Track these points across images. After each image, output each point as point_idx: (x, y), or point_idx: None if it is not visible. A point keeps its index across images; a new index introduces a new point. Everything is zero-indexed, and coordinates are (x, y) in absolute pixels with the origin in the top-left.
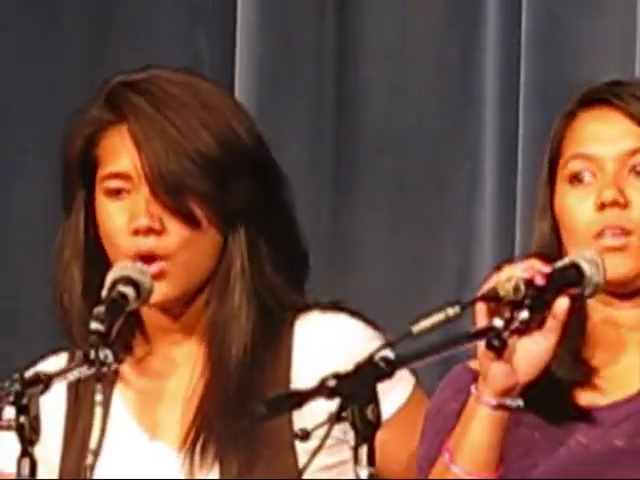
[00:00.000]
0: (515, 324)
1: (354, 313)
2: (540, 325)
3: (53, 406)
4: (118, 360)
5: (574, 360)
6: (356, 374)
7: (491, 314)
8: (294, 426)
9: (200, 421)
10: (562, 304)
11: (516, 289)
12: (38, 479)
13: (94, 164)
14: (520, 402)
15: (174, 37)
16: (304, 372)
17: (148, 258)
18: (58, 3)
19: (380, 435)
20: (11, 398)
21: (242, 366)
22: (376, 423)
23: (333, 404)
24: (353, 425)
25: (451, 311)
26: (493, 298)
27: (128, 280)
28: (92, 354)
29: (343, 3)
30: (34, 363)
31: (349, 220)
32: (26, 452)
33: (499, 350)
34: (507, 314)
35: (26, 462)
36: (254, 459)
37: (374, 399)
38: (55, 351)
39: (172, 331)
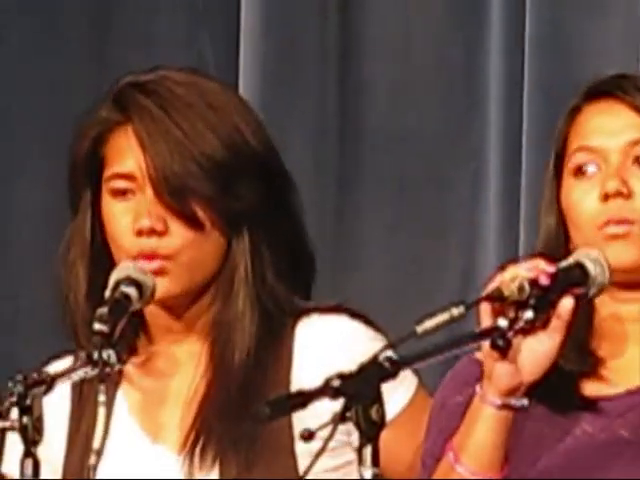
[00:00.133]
0: (519, 324)
1: (355, 314)
2: (545, 325)
3: (57, 406)
4: (121, 361)
5: (581, 351)
6: (360, 374)
7: (495, 314)
8: (294, 429)
9: (200, 424)
10: (567, 304)
11: (520, 289)
12: (41, 479)
13: (101, 164)
14: (525, 402)
15: (174, 37)
16: (304, 374)
17: (153, 257)
18: (58, 3)
19: (384, 435)
20: (14, 399)
21: (244, 369)
22: (380, 423)
23: (334, 404)
24: (357, 425)
25: (455, 311)
26: (497, 298)
27: (131, 280)
28: (95, 355)
29: (346, 3)
30: (40, 367)
31: (352, 220)
32: (29, 452)
33: (503, 350)
34: (511, 314)
35: (29, 462)
36: (253, 462)
37: (378, 399)
38: (59, 355)
39: (175, 330)
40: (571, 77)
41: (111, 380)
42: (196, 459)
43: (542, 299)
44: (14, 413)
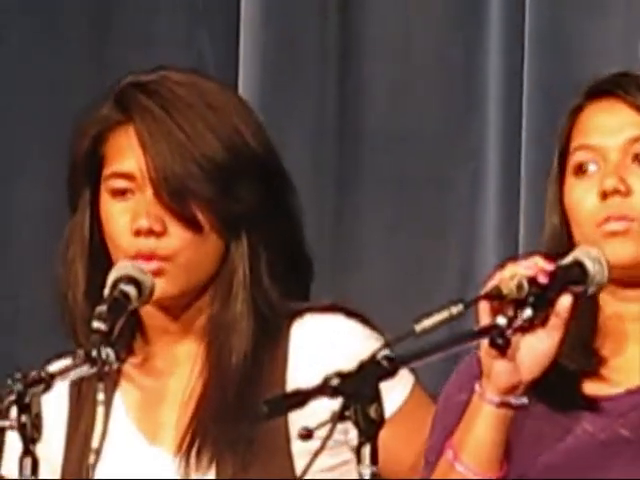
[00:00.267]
0: (518, 322)
1: (351, 313)
2: (543, 323)
3: (55, 405)
4: (120, 359)
5: (583, 350)
6: (359, 373)
7: (494, 312)
8: (290, 429)
9: (196, 425)
10: (565, 302)
11: (519, 287)
12: (40, 479)
13: (100, 163)
14: (524, 400)
15: (174, 37)
16: (300, 374)
17: (151, 257)
18: (58, 3)
19: (382, 434)
20: (13, 397)
21: (241, 370)
22: (379, 422)
23: (331, 403)
24: (356, 424)
25: (454, 309)
26: (496, 296)
27: (130, 279)
28: (94, 353)
29: (346, 3)
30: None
31: (352, 220)
32: (28, 451)
33: (502, 348)
34: (510, 312)
35: (28, 461)
36: (249, 463)
37: (377, 398)
38: (60, 356)
39: (171, 331)
40: (571, 77)
41: (109, 380)
42: (192, 460)
43: (541, 297)
44: (13, 412)
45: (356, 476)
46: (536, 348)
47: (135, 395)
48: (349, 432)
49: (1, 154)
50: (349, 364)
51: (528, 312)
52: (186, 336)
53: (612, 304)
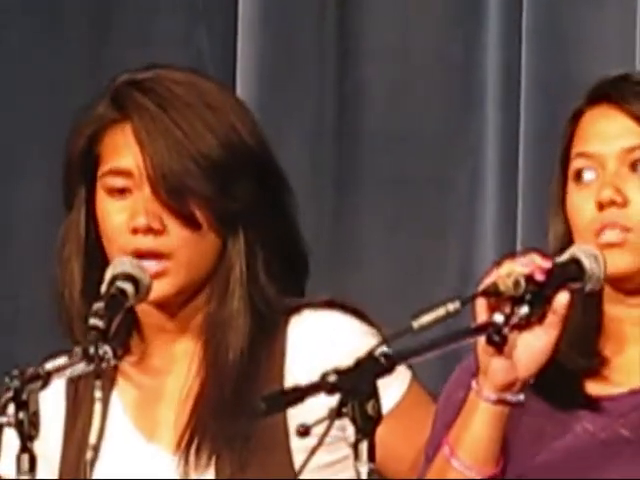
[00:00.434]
0: (515, 319)
1: (348, 309)
2: (540, 320)
3: (52, 403)
4: (117, 356)
5: (584, 351)
6: (356, 369)
7: (491, 309)
8: (289, 425)
9: (194, 423)
10: (562, 299)
11: (516, 284)
12: (38, 479)
13: (96, 161)
14: (521, 397)
15: (175, 37)
16: (298, 370)
17: (150, 255)
18: (58, 3)
19: (380, 431)
20: (11, 394)
21: (238, 367)
22: (376, 418)
23: (330, 399)
24: (353, 420)
25: (451, 306)
26: (493, 293)
27: (127, 276)
28: (91, 350)
29: (344, 2)
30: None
31: (350, 220)
32: (25, 448)
33: (499, 345)
34: (507, 309)
35: (25, 457)
36: (248, 459)
37: (374, 394)
38: (55, 355)
39: (168, 329)
40: (569, 73)
41: (106, 379)
42: (191, 458)
43: (538, 294)
44: (11, 409)
45: (354, 472)
46: (533, 345)
47: (132, 393)
48: (347, 428)
49: (1, 154)
50: (346, 360)
51: (525, 309)
52: (183, 334)
53: (613, 308)
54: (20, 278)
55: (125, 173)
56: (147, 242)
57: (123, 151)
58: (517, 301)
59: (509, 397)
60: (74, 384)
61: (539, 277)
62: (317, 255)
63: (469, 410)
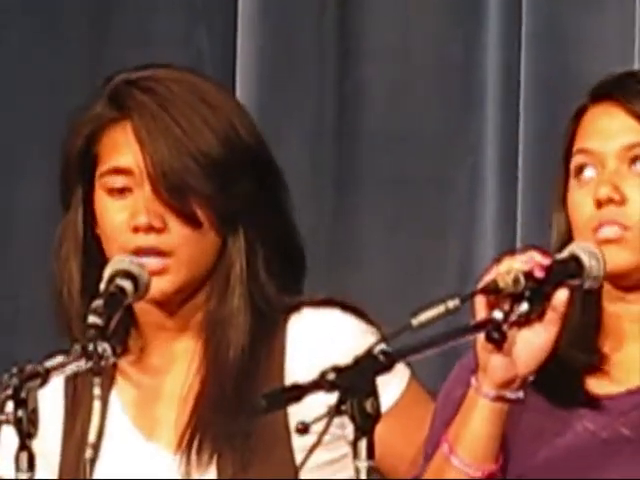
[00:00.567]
0: (514, 316)
1: (347, 308)
2: (540, 317)
3: (51, 401)
4: (116, 354)
5: (586, 348)
6: (355, 367)
7: (491, 306)
8: (290, 422)
9: (195, 422)
10: (561, 296)
11: (516, 281)
12: (37, 479)
13: (94, 161)
14: (520, 394)
15: (175, 37)
16: (297, 368)
17: (151, 253)
18: (58, 3)
19: (379, 429)
20: (10, 392)
21: (238, 365)
22: (375, 416)
23: (330, 397)
24: (352, 418)
25: (451, 304)
26: (493, 290)
27: (126, 274)
28: (90, 347)
29: (344, 1)
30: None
31: (350, 220)
32: (24, 446)
33: (499, 342)
34: (507, 306)
35: (24, 455)
36: (250, 457)
37: (373, 392)
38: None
39: (168, 327)
40: (568, 72)
41: (105, 378)
42: (193, 457)
43: (537, 291)
44: (10, 406)
45: (353, 471)
46: (532, 342)
47: (131, 392)
48: (346, 426)
49: (1, 154)
50: (346, 358)
51: (524, 306)
52: (183, 332)
53: (612, 305)
54: (20, 278)
55: (125, 171)
56: (148, 240)
57: (123, 150)
58: (516, 298)
59: (508, 394)
60: (73, 382)
61: (538, 274)
62: (317, 255)
63: (468, 407)
